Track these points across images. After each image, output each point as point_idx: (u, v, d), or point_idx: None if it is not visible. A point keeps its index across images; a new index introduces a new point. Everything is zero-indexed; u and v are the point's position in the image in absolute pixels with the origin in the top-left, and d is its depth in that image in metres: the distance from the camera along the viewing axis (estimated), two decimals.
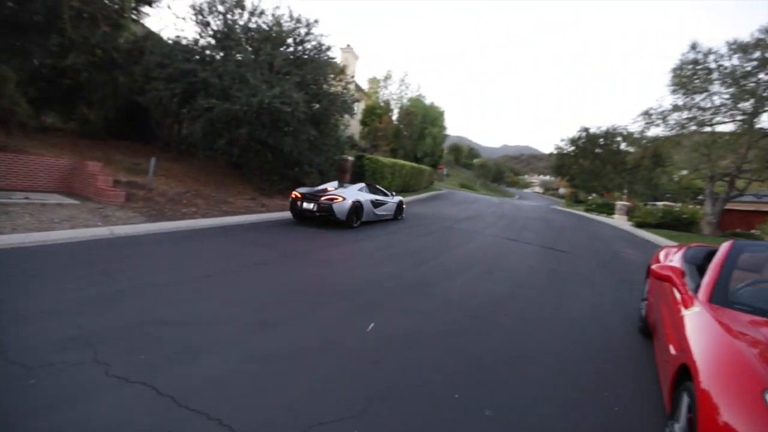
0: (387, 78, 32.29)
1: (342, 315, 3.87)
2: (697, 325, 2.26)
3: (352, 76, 19.26)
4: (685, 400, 1.91)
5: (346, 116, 14.72)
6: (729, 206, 17.98)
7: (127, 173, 9.85)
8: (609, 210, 23.95)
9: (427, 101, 33.19)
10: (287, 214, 9.77)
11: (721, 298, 2.47)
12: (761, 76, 15.58)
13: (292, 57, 12.59)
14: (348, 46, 28.18)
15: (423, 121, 31.59)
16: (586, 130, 37.02)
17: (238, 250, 6.16)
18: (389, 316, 3.95)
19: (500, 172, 78.92)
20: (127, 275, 4.30)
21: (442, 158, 40.29)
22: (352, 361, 2.95)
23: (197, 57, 11.44)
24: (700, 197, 21.75)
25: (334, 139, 13.80)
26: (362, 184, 10.60)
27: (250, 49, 12.06)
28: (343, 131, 15.73)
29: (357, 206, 9.38)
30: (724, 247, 3.05)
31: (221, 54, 11.82)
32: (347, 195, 9.29)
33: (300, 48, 12.92)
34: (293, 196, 9.26)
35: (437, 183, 34.23)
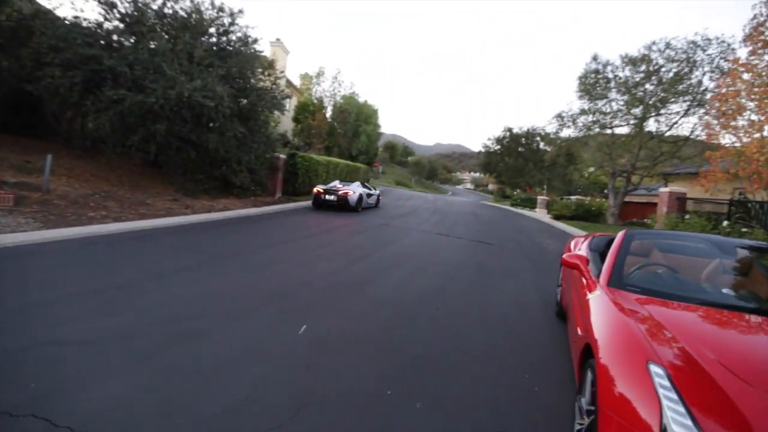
0: (319, 75, 31.79)
1: (272, 319, 3.71)
2: (598, 306, 2.52)
3: (282, 71, 18.55)
4: (589, 376, 2.11)
5: (277, 113, 14.21)
6: (628, 199, 20.57)
7: (15, 173, 8.53)
8: (531, 204, 26.07)
9: (361, 99, 33.30)
10: (215, 216, 9.49)
11: (617, 281, 2.78)
12: (647, 86, 18.05)
13: (215, 48, 11.83)
14: (278, 39, 27.12)
15: (357, 119, 31.61)
16: (509, 130, 39.86)
17: (158, 256, 5.63)
18: (323, 317, 3.88)
19: (434, 169, 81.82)
20: (13, 291, 3.71)
21: (378, 156, 40.75)
22: (281, 368, 2.83)
23: (102, 42, 10.22)
24: (605, 191, 24.57)
25: (264, 136, 13.23)
26: (358, 182, 14.57)
27: (166, 36, 11.08)
28: (273, 128, 15.15)
29: (361, 197, 13.39)
30: (619, 236, 3.45)
31: (132, 40, 10.70)
32: (355, 189, 13.22)
33: (224, 39, 12.19)
34: (316, 191, 12.96)
35: (373, 181, 34.52)
